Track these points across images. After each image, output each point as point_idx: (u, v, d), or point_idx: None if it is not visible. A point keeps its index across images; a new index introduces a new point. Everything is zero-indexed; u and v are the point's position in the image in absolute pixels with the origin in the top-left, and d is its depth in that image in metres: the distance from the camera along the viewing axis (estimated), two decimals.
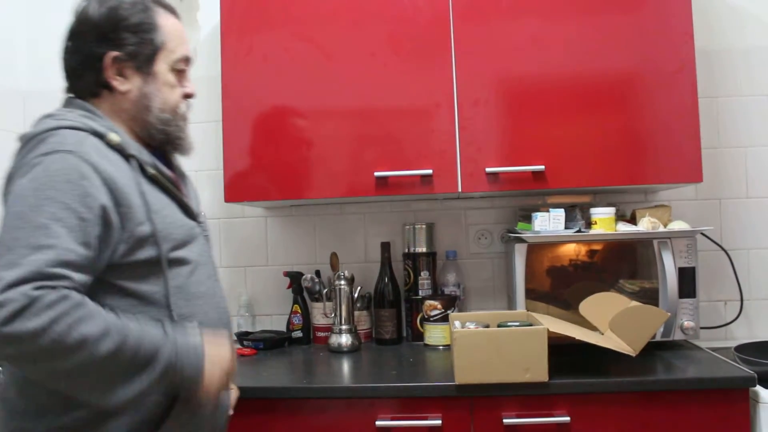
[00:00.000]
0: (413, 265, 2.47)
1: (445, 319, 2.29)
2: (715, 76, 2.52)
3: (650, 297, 2.15)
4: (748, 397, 1.83)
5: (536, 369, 1.80)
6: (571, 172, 2.14)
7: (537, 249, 2.23)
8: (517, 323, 1.90)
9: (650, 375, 1.89)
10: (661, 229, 2.15)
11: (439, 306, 2.31)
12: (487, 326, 1.95)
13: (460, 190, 2.16)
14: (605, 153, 2.13)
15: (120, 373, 1.25)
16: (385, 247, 2.52)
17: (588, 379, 1.85)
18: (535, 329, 1.81)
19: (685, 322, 2.12)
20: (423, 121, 2.18)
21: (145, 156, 1.44)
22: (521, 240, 2.16)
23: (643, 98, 2.14)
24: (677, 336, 2.13)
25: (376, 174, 2.15)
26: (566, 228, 2.17)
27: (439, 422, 1.84)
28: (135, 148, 1.43)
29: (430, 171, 2.15)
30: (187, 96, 1.58)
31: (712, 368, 1.93)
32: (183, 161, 2.67)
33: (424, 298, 2.36)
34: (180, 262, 1.43)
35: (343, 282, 2.38)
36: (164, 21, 1.50)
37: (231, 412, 1.61)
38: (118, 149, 1.38)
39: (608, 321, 1.93)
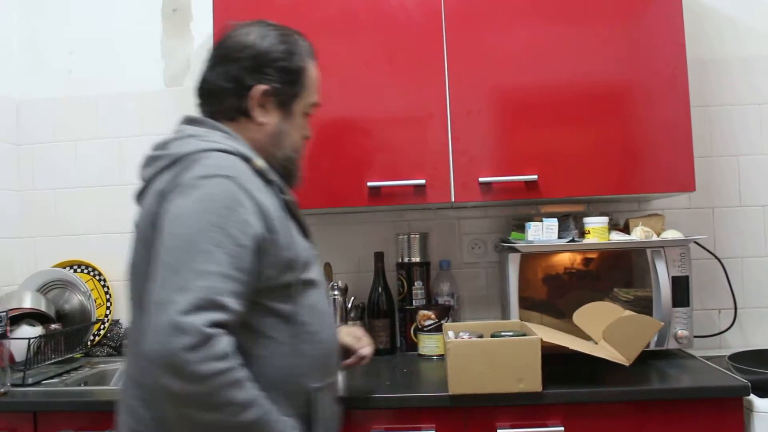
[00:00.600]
0: (407, 274, 2.47)
1: (438, 329, 2.29)
2: (709, 85, 2.53)
3: (645, 306, 2.14)
4: (742, 406, 1.83)
5: (530, 379, 1.79)
6: (564, 181, 2.15)
7: (531, 258, 2.23)
8: (511, 333, 1.90)
9: (644, 384, 1.89)
10: (655, 238, 2.15)
11: (433, 316, 2.30)
12: (481, 336, 1.94)
13: (453, 200, 2.16)
14: (598, 162, 2.13)
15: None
16: (379, 257, 2.51)
17: (582, 388, 1.85)
18: (528, 339, 1.81)
19: (679, 331, 2.12)
20: (416, 131, 2.18)
21: (279, 181, 1.49)
22: (515, 249, 2.16)
23: (635, 107, 2.14)
24: (671, 345, 2.13)
25: (369, 184, 2.15)
26: (559, 237, 2.17)
27: None
28: (273, 174, 1.47)
29: (423, 181, 2.15)
30: (306, 138, 1.65)
31: (706, 377, 1.93)
32: None
33: (418, 308, 2.36)
34: (311, 283, 1.47)
35: (336, 292, 2.37)
36: (311, 67, 1.59)
37: None
38: (261, 174, 1.43)
39: (602, 330, 1.92)
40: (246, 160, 1.41)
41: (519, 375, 1.79)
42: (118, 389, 2.21)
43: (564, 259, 2.26)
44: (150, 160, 1.46)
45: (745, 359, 2.03)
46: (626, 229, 2.26)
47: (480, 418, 1.85)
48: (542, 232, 2.17)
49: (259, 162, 1.44)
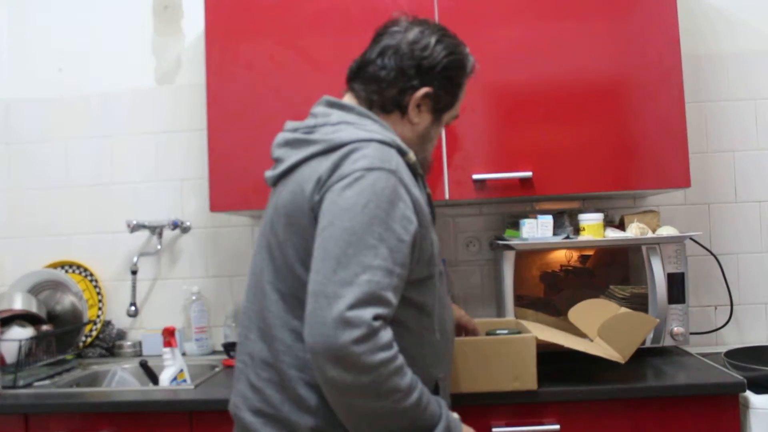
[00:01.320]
0: None
1: None
2: (704, 81, 2.52)
3: (641, 302, 2.14)
4: (738, 402, 1.82)
5: (525, 377, 1.78)
6: (558, 178, 2.13)
7: (526, 256, 2.22)
8: (506, 331, 1.89)
9: (640, 382, 1.88)
10: (650, 234, 2.14)
11: None
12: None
13: (447, 197, 2.15)
14: (593, 159, 2.12)
15: (406, 427, 1.30)
16: None
17: (577, 386, 1.84)
18: (523, 337, 1.79)
19: (675, 328, 2.11)
20: None
21: (423, 175, 1.53)
22: (509, 247, 2.15)
23: (630, 104, 2.13)
24: (667, 342, 2.12)
25: None
26: (554, 234, 2.16)
27: None
28: (420, 167, 1.50)
29: None
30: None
31: (702, 374, 1.92)
32: (166, 168, 2.67)
33: None
34: (440, 275, 1.49)
35: None
36: (466, 84, 1.60)
37: None
38: (413, 168, 1.45)
39: (597, 328, 1.91)
40: (402, 153, 1.42)
41: (514, 373, 1.78)
42: (112, 390, 2.24)
43: (560, 256, 2.25)
44: (296, 143, 1.45)
45: (741, 356, 2.03)
46: (621, 226, 2.25)
47: (475, 417, 1.82)
48: (537, 229, 2.16)
49: (413, 156, 1.45)
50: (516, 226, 2.24)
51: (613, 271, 2.25)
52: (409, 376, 1.28)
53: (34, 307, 2.43)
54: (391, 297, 1.26)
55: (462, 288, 2.57)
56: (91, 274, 2.67)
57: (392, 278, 1.26)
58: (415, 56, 1.48)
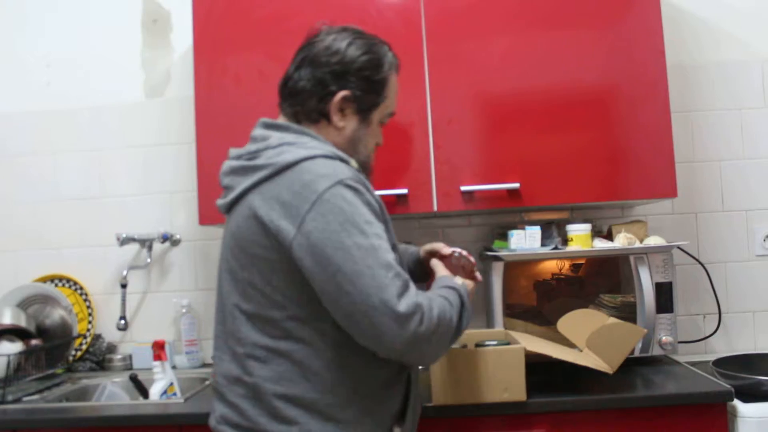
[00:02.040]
0: None
1: None
2: (689, 91, 2.54)
3: (630, 311, 2.14)
4: (726, 411, 1.83)
5: (514, 388, 1.79)
6: (546, 189, 2.15)
7: (515, 267, 2.22)
8: (495, 342, 1.89)
9: (629, 392, 1.88)
10: (637, 244, 2.15)
11: None
12: (465, 346, 1.93)
13: (435, 209, 2.16)
14: (580, 170, 2.14)
15: (457, 327, 1.44)
16: None
17: (567, 397, 1.85)
18: (512, 348, 1.80)
19: (663, 338, 2.12)
20: (397, 140, 2.17)
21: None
22: (498, 258, 2.15)
23: (616, 114, 2.15)
24: (656, 351, 2.13)
25: None
26: (543, 245, 2.17)
27: None
28: (362, 172, 1.53)
29: (405, 191, 2.15)
30: (377, 145, 1.68)
31: (690, 383, 1.93)
32: (156, 182, 2.67)
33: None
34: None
35: None
36: (393, 79, 1.62)
37: None
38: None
39: (586, 338, 1.92)
40: (344, 161, 1.46)
41: (503, 384, 1.78)
42: (101, 404, 2.23)
43: (551, 266, 2.26)
44: (242, 171, 1.48)
45: (729, 364, 2.04)
46: (609, 236, 2.26)
47: (465, 428, 1.84)
48: (525, 240, 2.17)
49: (354, 163, 1.50)
50: (504, 237, 2.25)
51: (604, 280, 2.26)
52: (440, 301, 1.41)
53: (23, 322, 2.42)
54: (406, 275, 1.37)
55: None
56: (81, 288, 2.66)
57: (399, 265, 1.37)
58: (328, 63, 1.52)
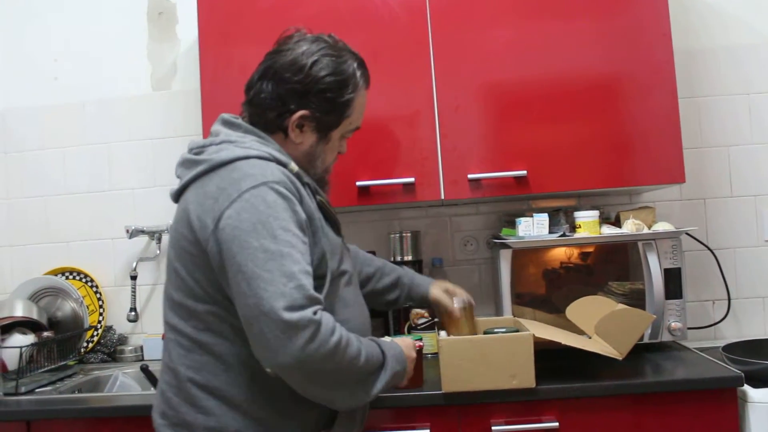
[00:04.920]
0: None
1: (432, 326, 2.28)
2: (696, 76, 2.52)
3: (639, 298, 2.14)
4: (737, 396, 1.82)
5: (523, 375, 1.79)
6: (553, 176, 2.14)
7: (523, 254, 2.22)
8: (504, 329, 1.89)
9: (638, 378, 1.88)
10: (646, 230, 2.14)
11: (426, 314, 2.30)
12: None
13: (443, 197, 2.16)
14: (587, 156, 2.13)
15: (365, 381, 1.43)
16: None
17: (576, 383, 1.84)
18: (520, 335, 1.80)
19: (673, 323, 2.12)
20: (404, 129, 2.17)
21: (312, 183, 1.56)
22: (506, 246, 2.15)
23: (623, 100, 2.14)
24: (665, 337, 2.12)
25: (358, 184, 2.15)
26: (550, 232, 2.17)
27: (427, 431, 1.83)
28: (306, 176, 1.54)
29: (412, 179, 2.15)
30: (341, 153, 1.69)
31: (700, 369, 1.93)
32: (164, 174, 2.67)
33: (411, 307, 2.34)
34: (342, 273, 1.57)
35: None
36: (360, 97, 1.60)
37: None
38: (296, 177, 1.49)
39: (595, 324, 1.92)
40: (282, 164, 1.46)
41: (512, 371, 1.79)
42: (113, 395, 2.25)
43: (560, 254, 2.25)
44: (188, 163, 1.52)
45: (738, 350, 2.03)
46: (617, 223, 2.26)
47: (474, 415, 1.85)
48: (533, 227, 2.17)
49: (294, 166, 1.49)
50: (512, 224, 2.24)
51: (612, 267, 2.25)
52: (354, 341, 1.39)
53: (34, 314, 2.44)
54: (317, 294, 1.35)
55: (460, 287, 2.56)
56: (92, 280, 2.67)
57: (310, 277, 1.35)
58: (290, 80, 1.51)
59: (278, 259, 1.31)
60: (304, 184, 1.51)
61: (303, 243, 1.38)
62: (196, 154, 1.51)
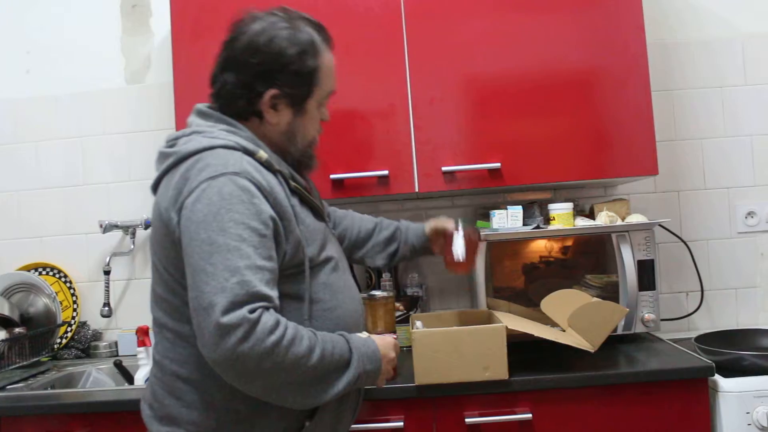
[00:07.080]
0: None
1: (407, 320, 2.28)
2: (670, 69, 2.54)
3: (615, 291, 2.15)
4: (707, 386, 1.84)
5: (496, 367, 1.79)
6: (527, 168, 2.15)
7: (498, 247, 2.22)
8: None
9: (611, 369, 1.89)
10: (619, 222, 2.15)
11: (401, 307, 2.30)
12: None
13: (417, 189, 2.16)
14: (561, 149, 2.14)
15: (321, 380, 1.37)
16: None
17: (549, 375, 1.85)
18: (492, 327, 1.80)
19: (646, 315, 2.13)
20: (378, 122, 2.17)
21: (285, 169, 1.51)
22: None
23: (597, 93, 2.15)
24: (638, 329, 2.14)
25: (332, 177, 2.14)
26: (525, 225, 2.17)
27: (401, 424, 1.84)
28: (278, 163, 1.49)
29: (386, 172, 2.14)
30: (323, 121, 1.63)
31: (672, 360, 1.94)
32: (138, 168, 2.65)
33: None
34: (326, 260, 1.52)
35: None
36: (326, 61, 1.54)
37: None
38: (266, 165, 1.45)
39: (567, 317, 1.93)
40: (250, 153, 1.43)
41: (485, 363, 1.79)
42: (85, 391, 2.23)
43: (533, 246, 2.26)
44: (161, 156, 1.49)
45: (711, 340, 2.05)
46: (591, 215, 2.27)
47: (448, 407, 1.85)
48: (507, 220, 2.17)
49: (262, 154, 1.45)
50: (487, 217, 2.25)
51: (589, 260, 2.26)
52: (305, 339, 1.33)
53: (6, 310, 2.41)
54: (267, 290, 1.30)
55: (436, 280, 2.57)
56: (65, 276, 2.65)
57: (263, 273, 1.31)
58: (251, 64, 1.47)
59: (224, 253, 1.28)
60: (274, 171, 1.46)
61: (260, 236, 1.33)
62: (170, 146, 1.49)
